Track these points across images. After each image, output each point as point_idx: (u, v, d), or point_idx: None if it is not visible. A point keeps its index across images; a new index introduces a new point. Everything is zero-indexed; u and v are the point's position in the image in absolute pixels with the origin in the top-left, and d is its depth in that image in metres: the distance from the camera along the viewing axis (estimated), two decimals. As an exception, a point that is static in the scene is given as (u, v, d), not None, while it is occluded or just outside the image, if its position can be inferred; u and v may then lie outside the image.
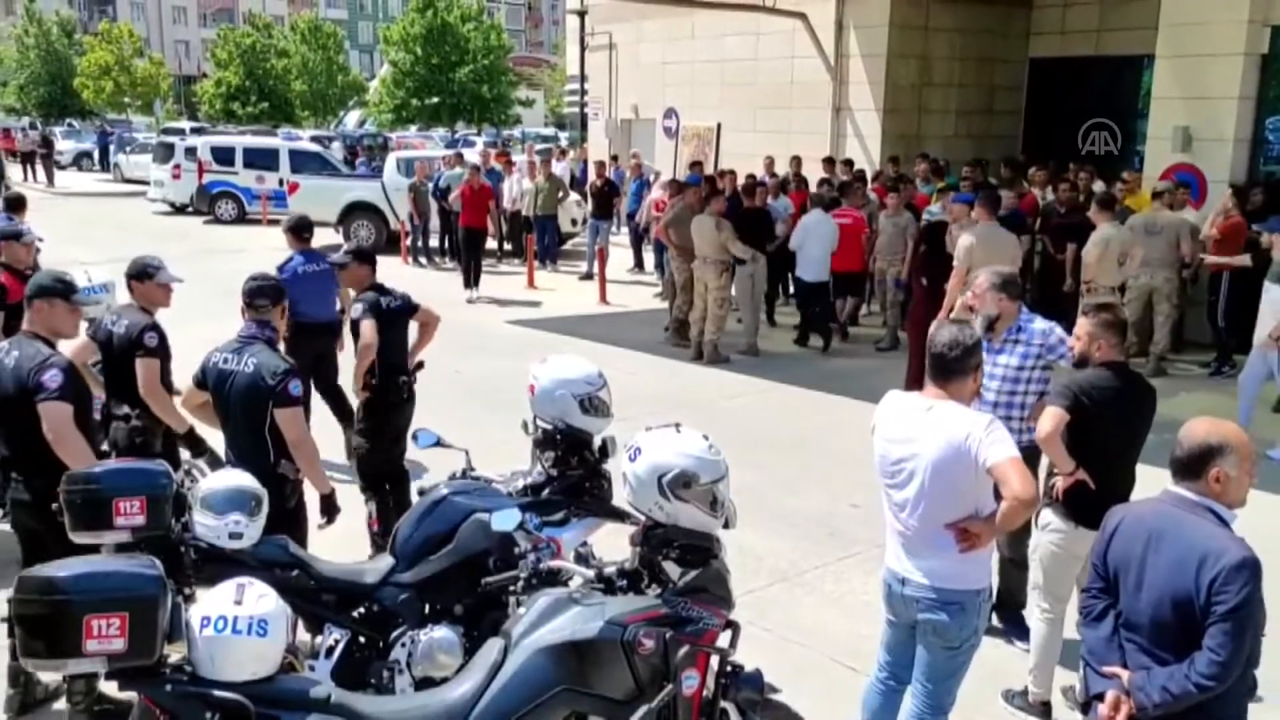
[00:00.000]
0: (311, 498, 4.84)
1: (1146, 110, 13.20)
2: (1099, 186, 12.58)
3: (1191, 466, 3.08)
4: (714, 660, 3.41)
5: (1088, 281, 10.26)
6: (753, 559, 6.24)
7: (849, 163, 15.40)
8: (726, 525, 3.49)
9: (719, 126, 19.17)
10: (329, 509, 4.82)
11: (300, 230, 7.81)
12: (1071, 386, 4.47)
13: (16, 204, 9.24)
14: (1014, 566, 5.39)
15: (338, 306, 7.73)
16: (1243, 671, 2.97)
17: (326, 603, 4.05)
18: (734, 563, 3.66)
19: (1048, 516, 4.61)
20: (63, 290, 4.70)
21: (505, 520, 3.62)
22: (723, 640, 3.41)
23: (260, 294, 4.86)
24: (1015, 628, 5.40)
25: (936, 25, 16.58)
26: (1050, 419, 4.39)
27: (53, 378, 4.39)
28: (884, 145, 16.23)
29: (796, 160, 15.61)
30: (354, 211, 19.75)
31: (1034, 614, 4.77)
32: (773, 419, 9.38)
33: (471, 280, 15.19)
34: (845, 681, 4.98)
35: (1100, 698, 3.12)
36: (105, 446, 5.24)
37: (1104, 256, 10.11)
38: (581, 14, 22.92)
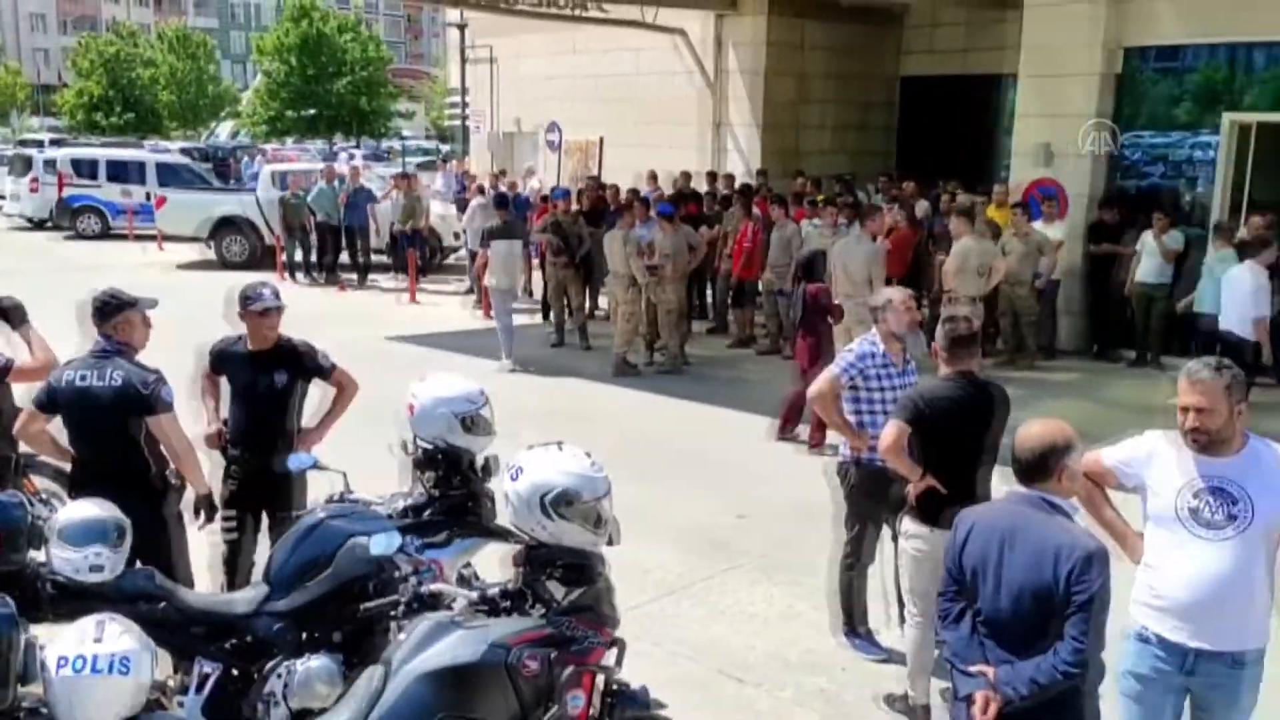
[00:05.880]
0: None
1: (1012, 127, 13.73)
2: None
3: (1041, 468, 3.24)
4: (599, 679, 3.39)
5: (948, 290, 10.67)
6: (639, 572, 6.22)
7: (730, 177, 15.63)
8: (610, 542, 3.47)
9: (601, 140, 19.22)
10: (209, 509, 4.83)
11: None
12: (912, 396, 4.64)
13: None
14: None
15: None
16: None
17: (196, 635, 3.88)
18: (620, 576, 3.64)
19: (906, 524, 4.73)
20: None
21: (384, 544, 3.54)
22: (608, 658, 3.39)
23: (110, 308, 4.68)
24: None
25: (812, 43, 16.93)
26: (890, 432, 4.54)
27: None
28: (764, 160, 16.48)
29: (685, 175, 15.75)
30: (225, 226, 19.10)
31: (906, 619, 4.88)
32: (660, 432, 9.42)
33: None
34: (732, 694, 5.01)
35: (970, 700, 3.20)
36: None
37: (963, 268, 10.57)
38: (461, 27, 22.80)
